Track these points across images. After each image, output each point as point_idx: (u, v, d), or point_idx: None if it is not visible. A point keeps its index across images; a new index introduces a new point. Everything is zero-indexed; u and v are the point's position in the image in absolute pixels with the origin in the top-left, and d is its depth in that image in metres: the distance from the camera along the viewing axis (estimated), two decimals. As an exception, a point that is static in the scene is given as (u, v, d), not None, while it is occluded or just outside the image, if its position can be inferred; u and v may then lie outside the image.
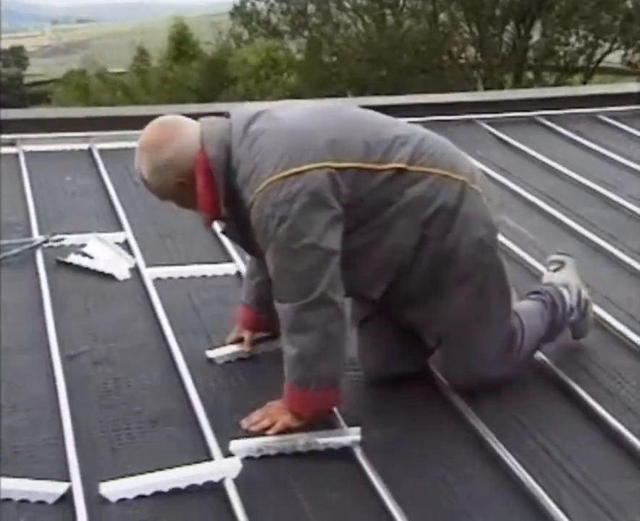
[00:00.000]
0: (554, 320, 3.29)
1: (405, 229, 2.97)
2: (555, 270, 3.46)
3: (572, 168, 5.37)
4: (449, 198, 2.99)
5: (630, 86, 7.89)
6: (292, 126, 2.95)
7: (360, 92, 13.19)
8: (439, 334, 3.12)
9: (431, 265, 3.00)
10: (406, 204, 2.96)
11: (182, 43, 21.19)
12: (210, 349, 3.41)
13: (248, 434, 2.92)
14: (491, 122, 6.31)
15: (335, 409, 3.02)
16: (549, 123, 6.36)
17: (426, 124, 6.01)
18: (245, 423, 2.97)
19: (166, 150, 3.00)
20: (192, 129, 3.02)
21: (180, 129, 3.03)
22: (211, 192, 2.99)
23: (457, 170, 3.04)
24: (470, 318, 3.06)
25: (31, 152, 5.63)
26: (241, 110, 3.09)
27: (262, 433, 2.92)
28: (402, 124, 3.15)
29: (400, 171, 2.96)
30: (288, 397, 2.96)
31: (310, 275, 2.87)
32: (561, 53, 16.85)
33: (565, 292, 3.35)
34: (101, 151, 5.70)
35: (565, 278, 3.40)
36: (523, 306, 3.29)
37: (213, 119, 3.07)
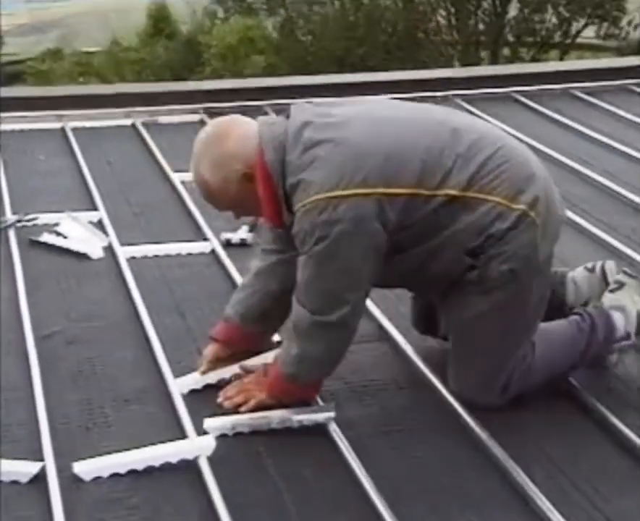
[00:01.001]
0: (589, 347, 3.05)
1: (452, 257, 2.86)
2: (612, 291, 3.18)
3: (547, 144, 5.38)
4: (500, 228, 2.83)
5: (606, 61, 7.93)
6: (347, 142, 2.81)
7: (337, 70, 13.16)
8: (448, 328, 3.06)
9: (467, 282, 2.90)
10: (456, 231, 2.83)
11: (160, 21, 21.08)
12: (177, 376, 3.12)
13: (222, 411, 2.92)
14: (467, 99, 6.30)
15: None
16: (524, 99, 6.37)
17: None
18: (220, 397, 2.98)
19: (227, 141, 2.90)
20: (250, 126, 2.93)
21: (238, 124, 2.96)
22: (272, 197, 2.87)
23: (519, 197, 2.85)
24: (478, 330, 2.93)
25: (4, 131, 5.60)
26: (299, 110, 2.96)
27: (235, 409, 2.93)
28: (475, 130, 2.95)
29: (454, 197, 2.83)
30: (273, 382, 2.95)
31: (335, 297, 2.82)
32: (538, 27, 16.85)
33: (616, 316, 3.10)
34: (75, 130, 5.68)
35: (620, 301, 3.14)
36: (552, 330, 3.07)
37: (271, 119, 2.99)
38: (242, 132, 2.92)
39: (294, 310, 2.90)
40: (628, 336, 3.10)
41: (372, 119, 2.93)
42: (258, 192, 2.88)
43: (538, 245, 2.89)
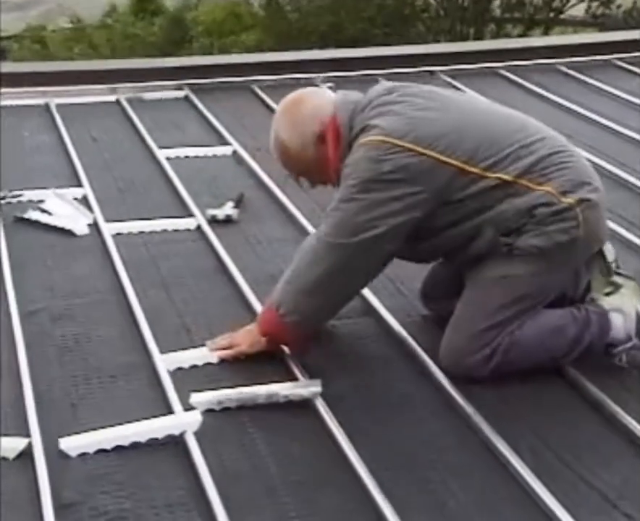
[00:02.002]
0: (580, 337, 3.01)
1: (490, 237, 2.94)
2: (608, 294, 3.11)
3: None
4: (543, 212, 2.92)
5: (589, 37, 7.93)
6: (419, 106, 3.00)
7: (323, 46, 13.11)
8: (466, 285, 3.08)
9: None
10: (500, 212, 2.93)
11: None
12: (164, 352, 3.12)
13: (209, 387, 2.92)
14: (452, 74, 6.29)
15: (296, 361, 3.05)
16: (509, 74, 6.37)
17: (387, 77, 6.07)
18: (209, 343, 3.10)
19: (304, 106, 3.09)
20: (325, 96, 3.15)
21: (313, 93, 3.18)
22: (340, 155, 3.01)
23: (570, 194, 2.93)
24: (493, 290, 2.97)
25: (-14, 107, 5.57)
26: (381, 84, 3.16)
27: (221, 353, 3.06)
28: (545, 131, 3.08)
29: (505, 182, 2.93)
30: (261, 313, 3.09)
31: (354, 224, 2.91)
32: (527, 1, 16.82)
33: (614, 317, 3.05)
34: (59, 106, 5.65)
35: (617, 304, 3.08)
36: (545, 312, 3.04)
37: (348, 92, 3.15)
38: (317, 99, 3.12)
39: (307, 238, 3.05)
40: (628, 339, 3.05)
41: (450, 99, 3.14)
42: (329, 153, 3.02)
43: (576, 241, 2.94)
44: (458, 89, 5.99)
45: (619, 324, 3.05)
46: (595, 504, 2.50)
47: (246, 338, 3.09)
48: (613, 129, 5.33)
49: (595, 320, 3.04)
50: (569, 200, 2.93)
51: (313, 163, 3.08)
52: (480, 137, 2.96)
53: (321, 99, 3.13)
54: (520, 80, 6.24)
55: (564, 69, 6.48)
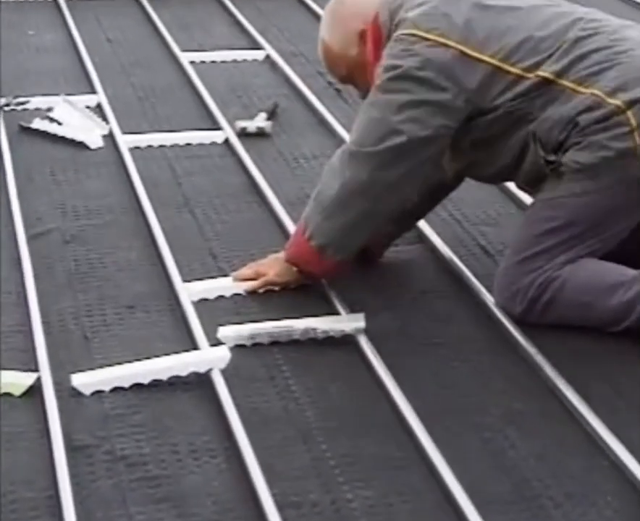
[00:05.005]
0: (634, 303, 2.86)
1: (533, 154, 2.94)
2: None
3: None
4: (587, 119, 2.85)
5: None
6: (461, 3, 3.02)
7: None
8: None
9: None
10: (542, 121, 2.89)
11: None
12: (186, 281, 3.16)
13: (238, 320, 2.94)
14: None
15: (337, 293, 3.06)
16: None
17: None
18: (233, 274, 3.13)
19: (346, 3, 3.15)
20: None
21: None
22: (378, 59, 3.04)
23: (619, 93, 2.84)
24: (543, 213, 2.97)
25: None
26: None
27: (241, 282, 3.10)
28: (600, 20, 3.02)
29: (545, 81, 2.90)
30: (290, 241, 3.11)
31: (387, 125, 2.93)
32: None
33: None
34: (68, 2, 5.64)
35: None
36: (604, 263, 2.96)
37: None
38: None
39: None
40: None
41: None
42: (367, 54, 3.06)
43: (630, 153, 2.85)
44: None
45: None
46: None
47: (274, 266, 3.10)
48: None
49: None
50: (616, 101, 2.85)
51: (356, 65, 3.10)
52: (523, 33, 2.93)
53: None
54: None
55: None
